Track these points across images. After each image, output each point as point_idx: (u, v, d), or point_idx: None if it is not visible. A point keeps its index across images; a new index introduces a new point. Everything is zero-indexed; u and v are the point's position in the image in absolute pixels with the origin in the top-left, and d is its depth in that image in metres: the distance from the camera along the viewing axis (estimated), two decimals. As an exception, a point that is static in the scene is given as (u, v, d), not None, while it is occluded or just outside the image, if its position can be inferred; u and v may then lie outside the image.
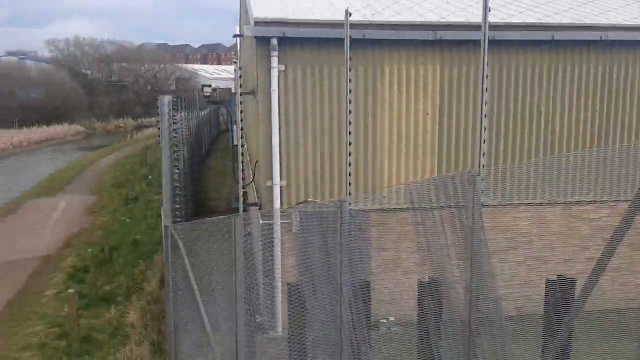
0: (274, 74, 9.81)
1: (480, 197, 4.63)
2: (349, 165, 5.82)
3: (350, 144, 5.82)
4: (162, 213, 9.40)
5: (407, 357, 7.33)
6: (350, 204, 5.55)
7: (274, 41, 9.62)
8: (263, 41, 9.73)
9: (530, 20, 10.57)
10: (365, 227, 8.69)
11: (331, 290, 6.17)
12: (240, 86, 11.55)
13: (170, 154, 8.11)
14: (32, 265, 15.37)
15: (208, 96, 10.46)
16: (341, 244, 5.65)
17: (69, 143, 48.02)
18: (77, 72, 65.52)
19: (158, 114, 7.92)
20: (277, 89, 9.87)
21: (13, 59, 64.01)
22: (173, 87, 75.02)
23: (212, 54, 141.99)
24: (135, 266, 14.53)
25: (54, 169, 33.50)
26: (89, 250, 14.15)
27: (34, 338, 10.92)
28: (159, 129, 7.96)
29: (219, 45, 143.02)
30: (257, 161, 11.11)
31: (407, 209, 9.78)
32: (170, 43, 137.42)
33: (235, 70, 42.41)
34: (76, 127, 54.08)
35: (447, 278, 5.01)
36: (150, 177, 27.51)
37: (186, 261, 8.05)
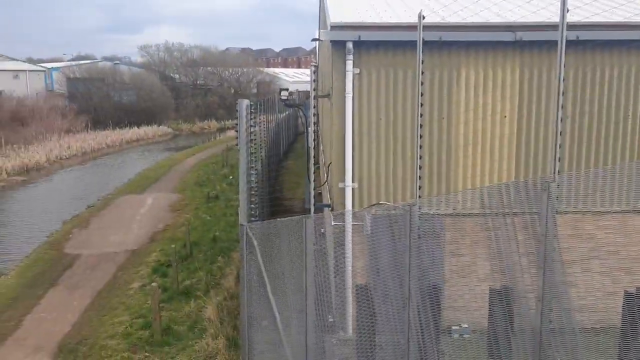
0: (349, 77, 9.90)
1: (555, 204, 4.49)
2: (419, 168, 5.78)
3: (421, 147, 5.78)
4: (238, 212, 9.72)
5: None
6: (420, 207, 5.53)
7: (349, 45, 9.71)
8: (339, 45, 9.85)
9: (616, 19, 10.02)
10: (438, 232, 8.60)
11: (401, 294, 6.17)
12: (314, 90, 11.73)
13: (247, 156, 8.38)
14: (120, 259, 16.36)
15: (285, 99, 10.69)
16: (410, 248, 5.64)
17: (157, 143, 50.52)
18: (166, 76, 68.82)
19: (237, 117, 8.21)
20: (351, 92, 9.96)
21: (108, 63, 68.17)
22: (254, 91, 77.11)
23: (293, 57, 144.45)
24: (214, 262, 15.10)
25: (142, 168, 35.39)
26: (172, 246, 14.84)
27: (120, 327, 11.63)
28: (237, 131, 8.25)
29: (299, 49, 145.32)
30: (330, 163, 11.26)
31: (481, 214, 9.57)
32: (253, 47, 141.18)
33: (313, 73, 42.81)
34: (164, 129, 56.78)
35: (519, 286, 4.89)
36: (230, 177, 28.45)
37: (260, 259, 8.29)
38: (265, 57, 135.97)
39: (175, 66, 73.33)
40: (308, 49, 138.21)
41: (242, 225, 8.65)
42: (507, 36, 9.65)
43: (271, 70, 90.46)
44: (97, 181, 31.80)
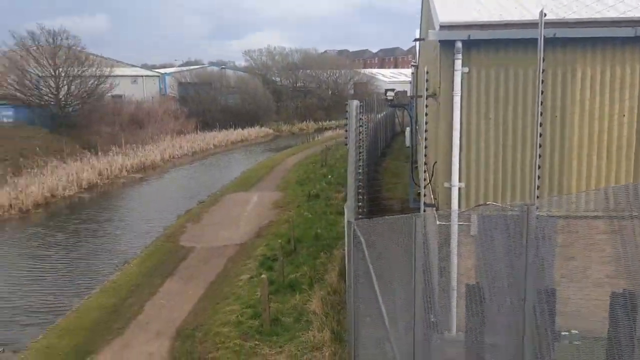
0: (458, 76, 9.86)
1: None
2: (538, 168, 5.70)
3: (540, 146, 5.70)
4: (345, 210, 10.00)
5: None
6: (537, 208, 5.46)
7: (459, 44, 9.67)
8: (447, 44, 9.84)
9: None
10: (551, 234, 8.36)
11: (514, 296, 6.11)
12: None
13: (355, 155, 8.64)
14: (229, 252, 17.29)
15: (391, 100, 10.76)
16: (527, 250, 5.59)
17: (259, 144, 52.48)
18: (267, 79, 71.25)
19: (346, 118, 8.48)
20: (459, 91, 9.91)
21: (216, 68, 71.69)
22: (351, 92, 77.73)
23: (389, 58, 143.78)
24: (317, 258, 15.54)
25: (246, 167, 36.96)
26: (279, 241, 15.46)
27: (231, 316, 12.33)
28: (346, 131, 8.52)
29: (396, 49, 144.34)
30: (435, 162, 11.25)
31: (599, 217, 9.17)
32: (350, 49, 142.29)
33: (412, 73, 42.40)
34: (265, 130, 58.86)
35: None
36: (329, 176, 29.00)
37: (367, 256, 8.49)
38: (362, 59, 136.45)
39: (276, 69, 75.69)
40: (405, 49, 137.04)
41: (349, 222, 8.91)
42: (627, 32, 9.17)
43: (368, 71, 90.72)
44: (206, 179, 33.67)
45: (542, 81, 5.65)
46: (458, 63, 9.89)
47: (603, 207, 5.07)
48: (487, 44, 9.84)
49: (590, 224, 9.03)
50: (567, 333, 9.69)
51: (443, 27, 9.98)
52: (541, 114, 5.85)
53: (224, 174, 35.14)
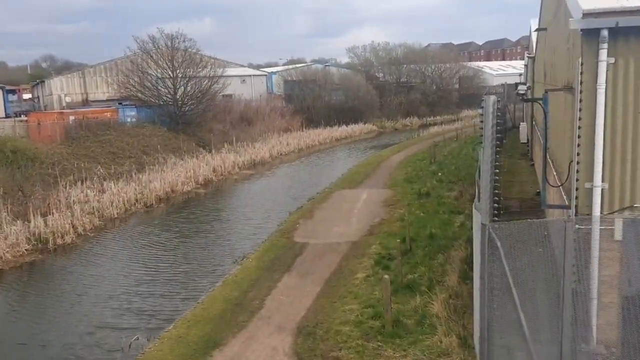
0: (602, 67, 9.08)
1: None
2: None
3: None
4: (474, 211, 9.55)
5: None
6: None
7: (604, 32, 8.90)
8: (590, 33, 9.08)
9: None
10: None
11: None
12: (523, 83, 10.98)
13: (491, 153, 8.18)
14: (343, 249, 17.30)
15: (523, 94, 10.15)
16: None
17: (363, 140, 52.45)
18: (370, 76, 71.06)
19: (481, 114, 8.07)
20: (604, 83, 9.12)
21: (319, 66, 72.63)
22: (456, 86, 75.54)
23: (496, 50, 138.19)
24: (434, 259, 15.13)
25: (352, 164, 37.02)
26: (397, 240, 15.21)
27: (351, 315, 12.28)
28: (481, 128, 8.10)
29: (504, 40, 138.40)
30: (571, 162, 10.44)
31: None
32: (455, 42, 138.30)
33: (525, 65, 40.33)
34: (369, 126, 58.75)
35: None
36: (439, 174, 28.26)
37: (504, 261, 8.03)
38: (467, 51, 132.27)
39: (379, 65, 75.27)
40: (514, 40, 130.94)
41: (483, 224, 8.48)
42: None
43: (474, 64, 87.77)
44: (313, 175, 34.14)
45: None
46: (603, 53, 9.10)
47: None
48: (637, 31, 8.97)
49: None
50: None
51: (587, 14, 9.21)
52: None
53: (331, 170, 35.44)
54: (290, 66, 74.40)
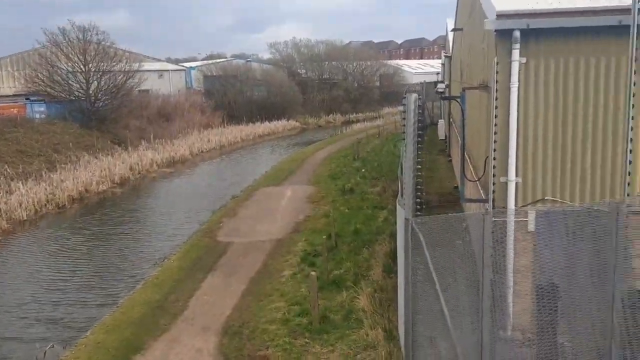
0: (515, 67, 9.51)
1: None
2: (629, 163, 5.37)
3: (631, 140, 5.37)
4: (398, 206, 9.74)
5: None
6: (629, 205, 5.15)
7: (517, 33, 9.32)
8: (504, 34, 9.49)
9: None
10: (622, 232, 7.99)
11: (597, 297, 5.82)
12: (442, 82, 11.42)
13: (413, 150, 8.36)
14: (268, 247, 17.17)
15: (441, 92, 10.44)
16: (616, 250, 5.30)
17: (287, 137, 52.39)
18: (293, 72, 71.04)
19: (403, 112, 8.22)
20: (517, 82, 9.56)
21: (241, 61, 71.73)
22: (377, 83, 77.13)
23: (415, 49, 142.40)
24: (359, 254, 15.33)
25: (276, 161, 36.87)
26: (323, 237, 15.26)
27: (277, 313, 12.19)
28: (403, 125, 8.26)
29: (422, 39, 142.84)
30: (487, 157, 10.89)
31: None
32: (375, 40, 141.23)
33: (442, 64, 41.64)
34: (292, 123, 58.75)
35: None
36: (363, 170, 28.72)
37: (427, 254, 8.24)
38: (387, 50, 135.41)
39: (301, 62, 75.41)
40: (431, 40, 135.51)
41: (407, 219, 8.65)
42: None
43: (394, 62, 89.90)
44: (236, 173, 33.66)
45: (635, 72, 5.28)
46: (516, 53, 9.53)
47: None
48: (546, 33, 9.45)
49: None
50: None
51: (500, 15, 9.61)
52: (633, 106, 5.49)
53: (254, 167, 35.12)
54: (210, 61, 72.90)
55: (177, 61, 78.28)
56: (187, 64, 72.36)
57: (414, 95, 8.19)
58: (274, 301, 12.92)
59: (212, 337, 11.41)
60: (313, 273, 11.42)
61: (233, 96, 58.15)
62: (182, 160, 38.14)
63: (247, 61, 72.23)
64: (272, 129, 54.39)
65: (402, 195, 9.77)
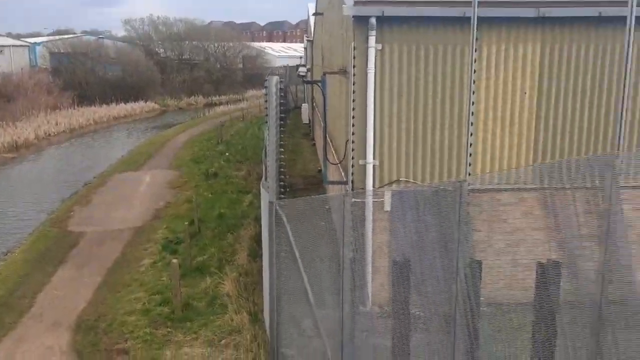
0: (372, 53, 9.88)
1: (618, 179, 4.59)
2: (470, 145, 5.83)
3: (472, 124, 5.82)
4: (262, 189, 9.72)
5: (506, 337, 7.35)
6: (469, 184, 5.60)
7: (373, 20, 9.67)
8: (361, 20, 9.80)
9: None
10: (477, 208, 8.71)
11: (443, 269, 6.27)
12: (304, 65, 11.68)
13: (276, 133, 8.35)
14: (126, 236, 16.29)
15: (303, 76, 10.55)
16: (459, 224, 5.74)
17: (145, 120, 49.89)
18: (150, 51, 67.58)
19: (266, 95, 8.16)
20: (373, 68, 9.94)
21: (92, 38, 66.72)
22: (240, 65, 76.22)
23: (277, 31, 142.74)
24: (223, 239, 15.13)
25: (134, 145, 35.01)
26: (185, 223, 14.79)
27: (137, 304, 11.64)
28: (266, 108, 8.21)
29: (284, 22, 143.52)
30: (347, 140, 11.26)
31: (506, 190, 9.68)
32: (237, 21, 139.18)
33: (305, 48, 42.11)
34: (151, 105, 55.99)
35: (577, 260, 5.00)
36: (227, 153, 28.31)
37: (290, 236, 8.33)
38: (250, 31, 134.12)
39: (159, 40, 72.06)
40: (294, 23, 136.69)
41: (270, 202, 8.67)
42: (530, 12, 9.68)
43: (257, 44, 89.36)
44: (89, 158, 31.42)
45: (475, 61, 5.72)
46: (372, 39, 9.90)
47: (534, 181, 5.28)
48: (400, 21, 9.93)
49: (495, 196, 9.54)
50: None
51: (358, 2, 9.90)
52: (474, 92, 5.95)
53: (109, 152, 33.02)
54: (57, 37, 66.88)
55: (19, 36, 70.75)
56: (31, 40, 65.77)
57: (276, 78, 8.16)
58: (133, 292, 12.31)
59: (65, 334, 10.60)
60: (175, 260, 11.05)
61: (84, 75, 53.95)
62: (26, 144, 34.70)
63: (100, 38, 67.42)
64: (129, 111, 51.41)
65: (266, 179, 9.77)
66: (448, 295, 6.09)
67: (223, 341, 9.79)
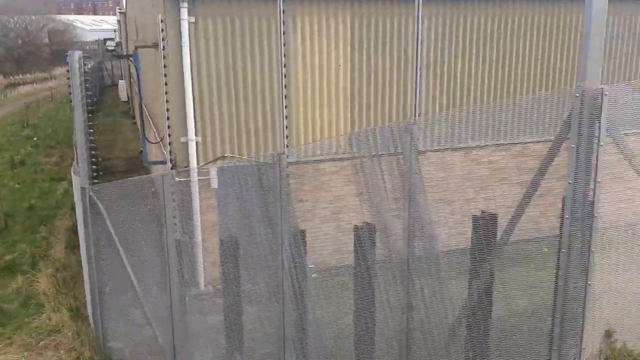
0: (185, 26, 9.52)
1: (417, 144, 4.99)
2: (286, 118, 5.90)
3: (286, 97, 5.89)
4: (73, 175, 8.94)
5: (335, 301, 7.75)
6: (288, 156, 5.69)
7: (184, -8, 9.30)
8: (171, -8, 9.37)
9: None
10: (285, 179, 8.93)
11: (269, 241, 6.36)
12: (112, 39, 11.04)
13: (83, 113, 7.68)
14: None
15: (112, 50, 9.67)
16: (280, 196, 5.82)
17: None
18: None
19: (68, 71, 7.44)
20: (188, 42, 9.61)
21: None
22: (46, 41, 69.01)
23: (87, 3, 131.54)
24: (36, 233, 13.75)
25: None
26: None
27: None
28: (69, 86, 7.50)
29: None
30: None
31: (328, 160, 10.11)
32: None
33: (118, 21, 39.62)
34: (-64, 86, 48.35)
35: (387, 221, 5.38)
36: (35, 138, 25.63)
37: (108, 223, 7.81)
38: (56, 3, 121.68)
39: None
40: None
41: (83, 188, 8.01)
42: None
43: (65, 17, 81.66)
44: None
45: (284, 33, 5.77)
46: (184, 11, 9.54)
47: (345, 150, 5.54)
48: (212, -7, 9.69)
49: (319, 167, 9.92)
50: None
51: (166, -28, 9.41)
52: (285, 66, 6.02)
53: None
54: None
55: None
56: None
57: (78, 53, 7.48)
58: None
59: None
60: (-25, 261, 9.76)
61: None
62: None
63: None
64: None
65: (77, 163, 9.01)
66: (275, 267, 6.20)
67: (42, 343, 8.92)
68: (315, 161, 10.67)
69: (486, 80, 11.33)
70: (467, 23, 10.94)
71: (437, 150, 9.83)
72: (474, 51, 11.08)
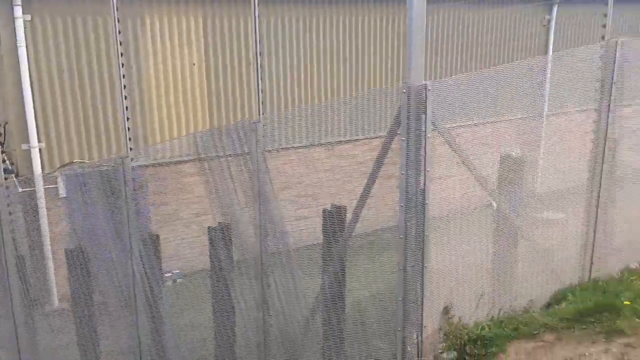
0: (19, 24, 8.79)
1: (263, 142, 5.05)
2: (127, 119, 5.68)
3: (126, 97, 5.66)
4: None
5: (197, 306, 7.61)
6: (132, 159, 5.47)
7: (16, -12, 8.58)
8: (1, -13, 8.60)
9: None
10: (142, 183, 8.59)
11: (119, 250, 6.07)
12: None
13: None
14: None
15: None
16: (127, 201, 5.58)
17: None
18: None
19: None
20: (24, 42, 8.88)
21: None
22: None
23: None
24: None
25: None
26: None
27: None
28: None
29: None
30: (6, 122, 9.92)
31: (187, 161, 9.86)
32: None
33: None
34: None
35: (239, 221, 5.38)
36: None
37: None
38: None
39: None
40: None
41: None
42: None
43: None
44: None
45: (120, 32, 5.54)
46: (18, 9, 8.81)
47: (193, 151, 5.46)
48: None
49: (179, 168, 9.66)
50: (169, 274, 10.35)
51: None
52: (123, 65, 5.77)
53: None
54: None
55: None
56: None
57: None
58: None
59: None
60: None
61: None
62: None
63: None
64: None
65: None
66: (124, 274, 5.95)
67: None
68: (175, 163, 10.38)
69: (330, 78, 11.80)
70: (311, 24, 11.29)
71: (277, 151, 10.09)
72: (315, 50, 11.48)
